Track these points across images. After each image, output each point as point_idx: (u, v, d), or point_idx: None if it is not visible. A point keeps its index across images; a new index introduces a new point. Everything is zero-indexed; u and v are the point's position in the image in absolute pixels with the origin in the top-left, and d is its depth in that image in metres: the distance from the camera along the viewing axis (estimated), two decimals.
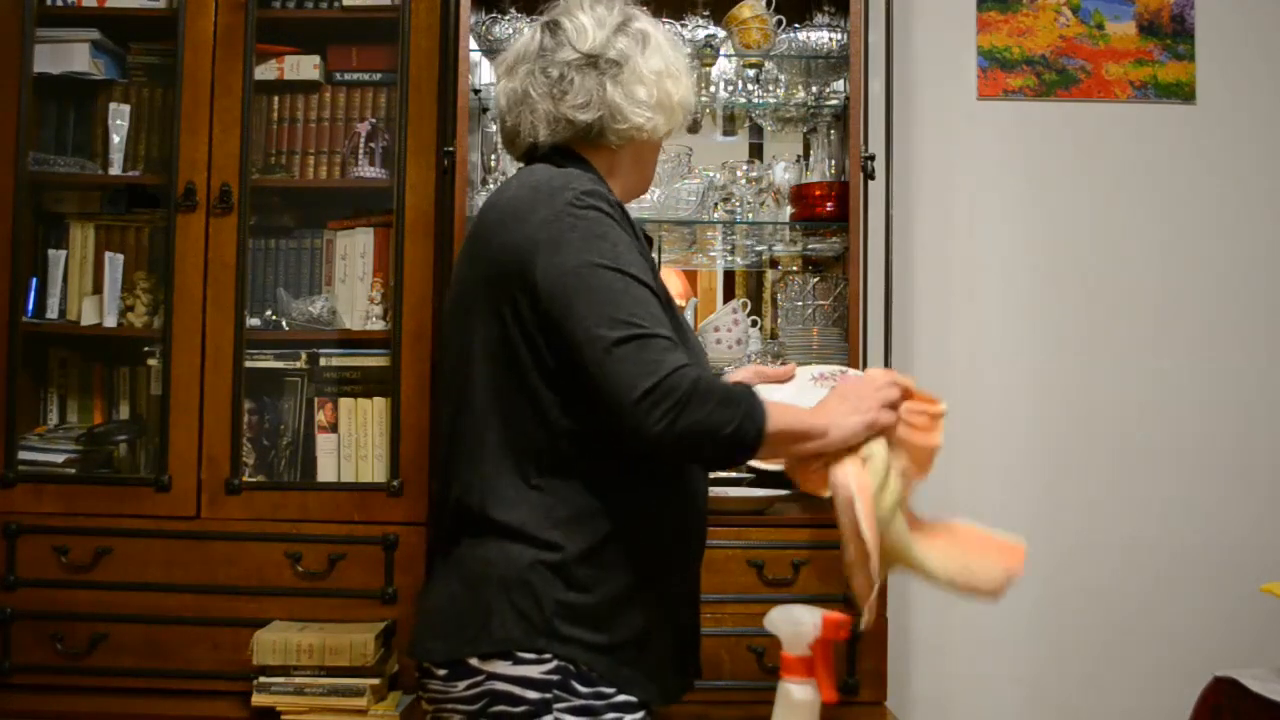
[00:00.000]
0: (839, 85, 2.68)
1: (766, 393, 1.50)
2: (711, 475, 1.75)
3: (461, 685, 1.48)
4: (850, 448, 1.52)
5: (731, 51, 2.65)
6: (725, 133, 2.82)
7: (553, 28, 1.65)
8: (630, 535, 1.53)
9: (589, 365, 1.42)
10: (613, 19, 1.65)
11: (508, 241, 1.51)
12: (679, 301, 2.74)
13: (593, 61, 1.61)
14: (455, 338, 1.59)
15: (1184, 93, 2.88)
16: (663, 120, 1.65)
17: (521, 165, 1.71)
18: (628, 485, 1.54)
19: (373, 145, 2.59)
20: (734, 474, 2.54)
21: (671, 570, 1.61)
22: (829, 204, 2.52)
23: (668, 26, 2.62)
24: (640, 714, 1.52)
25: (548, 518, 1.50)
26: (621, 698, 1.50)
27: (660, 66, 1.64)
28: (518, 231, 1.50)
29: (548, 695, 1.46)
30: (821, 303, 2.64)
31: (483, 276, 1.54)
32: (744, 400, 1.43)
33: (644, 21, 1.68)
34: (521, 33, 2.53)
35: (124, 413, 2.65)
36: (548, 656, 1.46)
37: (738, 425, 1.41)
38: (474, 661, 1.47)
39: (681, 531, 1.62)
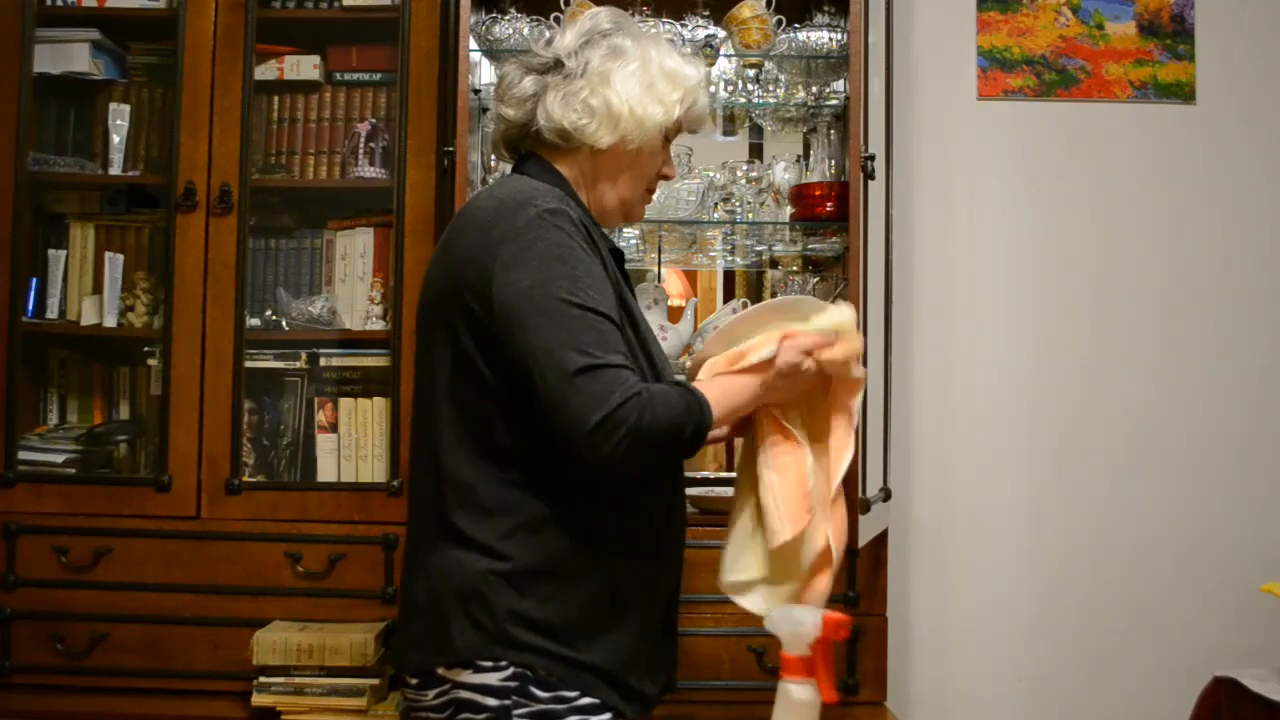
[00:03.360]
0: (839, 85, 2.68)
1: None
2: (711, 476, 1.76)
3: (431, 694, 1.53)
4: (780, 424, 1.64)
5: (731, 51, 2.65)
6: (725, 133, 2.82)
7: (547, 43, 1.70)
8: (582, 544, 1.54)
9: (539, 390, 1.45)
10: (597, 32, 1.66)
11: (467, 252, 1.53)
12: (679, 302, 2.74)
13: (559, 68, 1.64)
14: (421, 343, 1.63)
15: (1184, 93, 2.88)
16: (606, 131, 1.63)
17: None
18: (577, 498, 1.55)
19: (373, 145, 2.59)
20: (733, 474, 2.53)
21: (634, 575, 1.60)
22: (829, 204, 2.52)
23: (667, 27, 2.62)
24: (606, 715, 1.53)
25: (499, 528, 1.52)
26: (585, 700, 1.52)
27: (624, 81, 1.63)
28: (477, 243, 1.52)
29: (506, 701, 1.49)
30: None
31: (444, 283, 1.57)
32: (691, 408, 1.48)
33: (632, 40, 1.66)
34: (521, 32, 2.57)
35: (124, 413, 2.65)
36: (504, 664, 1.49)
37: (689, 435, 1.48)
38: (441, 671, 1.51)
39: (646, 538, 1.62)
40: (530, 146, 1.69)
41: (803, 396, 1.68)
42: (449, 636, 1.50)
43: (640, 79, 1.63)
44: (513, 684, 1.49)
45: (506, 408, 1.52)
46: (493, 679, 1.49)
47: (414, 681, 1.55)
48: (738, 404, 1.59)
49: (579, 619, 1.53)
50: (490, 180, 2.67)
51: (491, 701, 1.49)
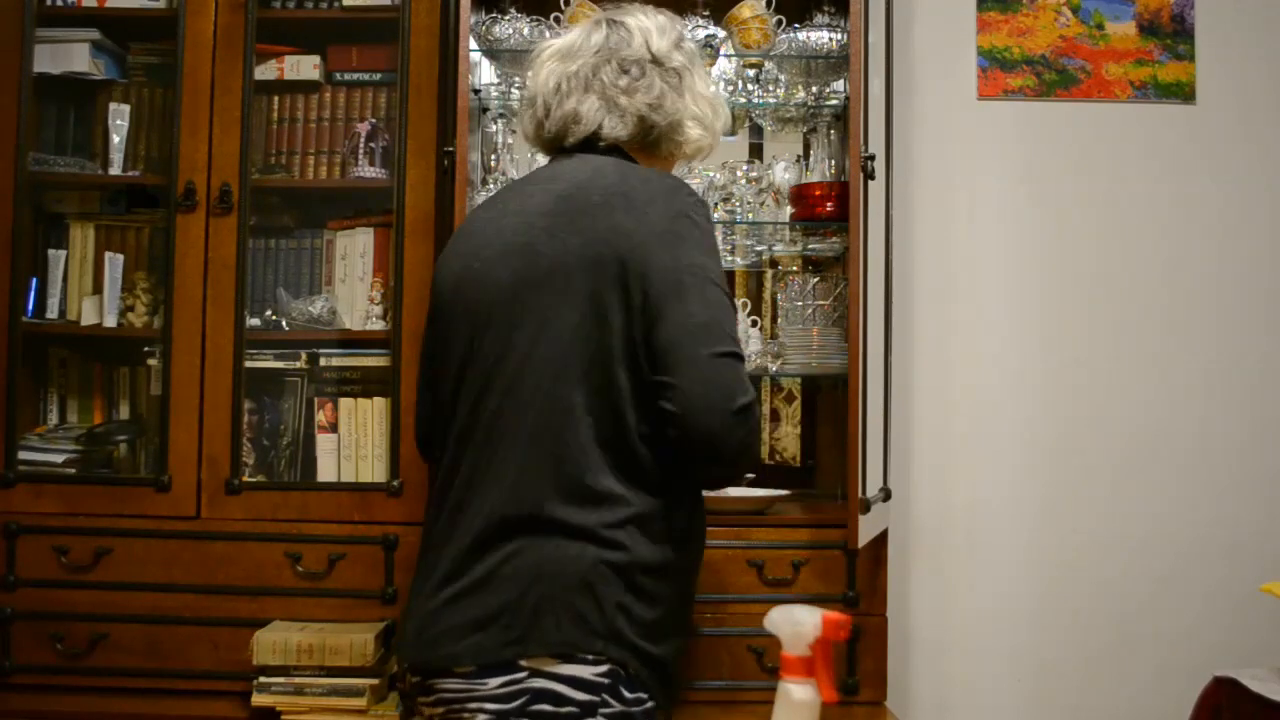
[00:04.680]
0: (839, 85, 2.68)
1: None
2: None
3: (494, 683, 1.44)
4: None
5: (731, 51, 2.65)
6: (725, 133, 2.81)
7: (614, 24, 1.66)
8: (683, 545, 1.55)
9: (688, 362, 1.42)
10: (672, 32, 1.67)
11: (621, 226, 1.48)
12: None
13: (658, 64, 1.64)
14: (512, 316, 1.51)
15: (1184, 93, 2.88)
16: (707, 140, 1.69)
17: (551, 156, 1.70)
18: (685, 494, 1.56)
19: (373, 145, 2.59)
20: None
21: (696, 577, 1.64)
22: (829, 204, 2.52)
23: None
24: None
25: (610, 517, 1.47)
26: (650, 704, 1.50)
27: (708, 90, 1.69)
28: (632, 218, 1.48)
29: (595, 698, 1.44)
30: (821, 303, 2.64)
31: (580, 257, 1.48)
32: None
33: (691, 44, 1.71)
34: (522, 32, 2.57)
35: (124, 413, 2.65)
36: (603, 659, 1.44)
37: (755, 455, 1.53)
38: (523, 660, 1.44)
39: (702, 541, 1.65)
40: (588, 145, 1.64)
41: None
42: (540, 626, 1.43)
43: (714, 91, 1.71)
44: (605, 680, 1.44)
45: (634, 395, 1.47)
46: (586, 672, 1.44)
47: (467, 670, 1.45)
48: None
49: (670, 620, 1.52)
50: (490, 180, 2.67)
51: (580, 695, 1.43)
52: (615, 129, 1.62)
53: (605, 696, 1.44)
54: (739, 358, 1.46)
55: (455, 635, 1.47)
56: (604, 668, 1.44)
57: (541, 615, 1.43)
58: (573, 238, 1.49)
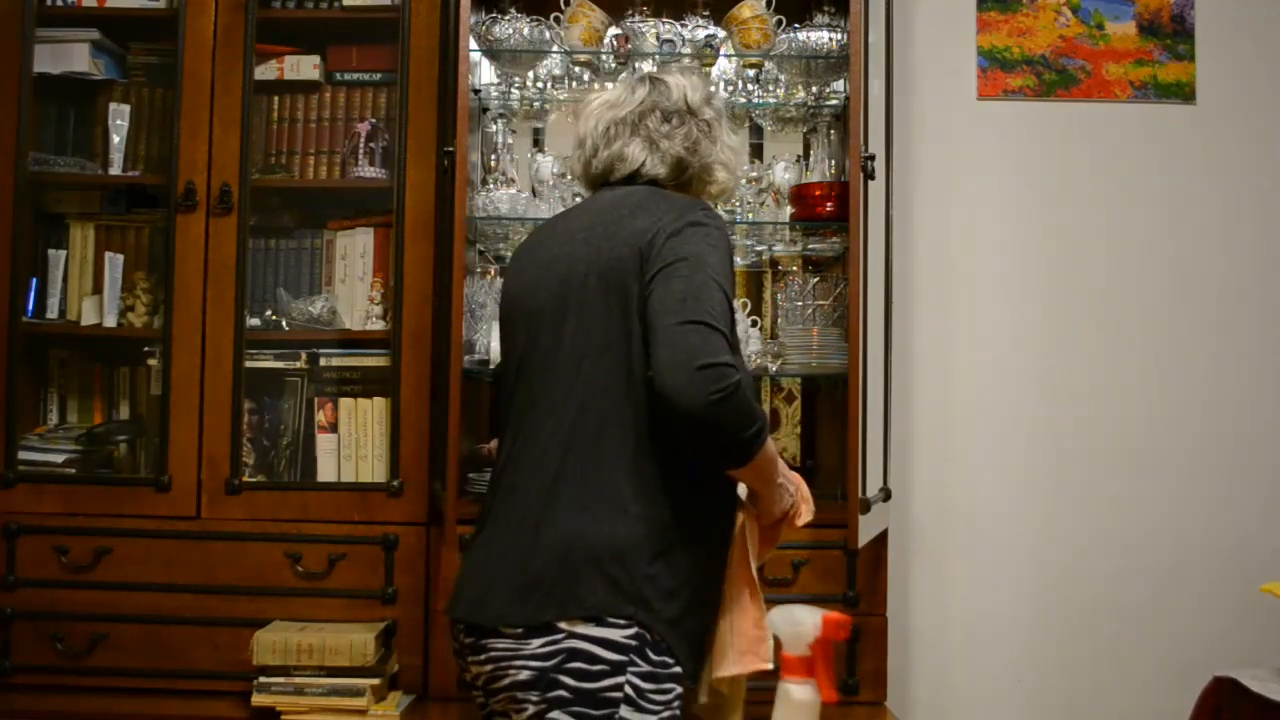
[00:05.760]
0: (839, 85, 2.68)
1: None
2: None
3: (536, 643, 1.59)
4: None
5: (731, 51, 2.65)
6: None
7: (656, 81, 1.87)
8: (710, 518, 1.69)
9: (660, 329, 1.56)
10: (705, 88, 1.89)
11: (639, 227, 1.67)
12: None
13: (693, 114, 1.85)
14: (557, 314, 1.70)
15: (1184, 93, 2.88)
16: (730, 183, 1.90)
17: (594, 191, 1.89)
18: (707, 473, 1.67)
19: (373, 145, 2.59)
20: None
21: (719, 555, 1.73)
22: (829, 204, 2.52)
23: (667, 27, 2.62)
24: (682, 688, 1.64)
25: (645, 492, 1.62)
26: (676, 669, 1.62)
27: (733, 141, 1.89)
28: (647, 219, 1.67)
29: (624, 658, 1.58)
30: (821, 303, 2.64)
31: (609, 257, 1.67)
32: (762, 421, 1.59)
33: (720, 102, 1.92)
34: (522, 32, 2.57)
35: (124, 413, 2.65)
36: (631, 624, 1.58)
37: (756, 431, 1.57)
38: (561, 623, 1.58)
39: (729, 524, 1.75)
40: (629, 181, 1.83)
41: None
42: (575, 591, 1.58)
43: (735, 147, 1.90)
44: (633, 643, 1.58)
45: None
46: (616, 635, 1.58)
47: (517, 631, 1.60)
48: (773, 453, 1.69)
49: (692, 589, 1.64)
50: (490, 180, 2.67)
51: (611, 655, 1.57)
52: (655, 167, 1.82)
53: (633, 657, 1.58)
54: (713, 329, 1.54)
55: (505, 599, 1.62)
56: (632, 630, 1.58)
57: (579, 582, 1.59)
58: (604, 243, 1.69)
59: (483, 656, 1.65)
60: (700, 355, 1.52)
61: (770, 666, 1.71)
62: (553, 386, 1.69)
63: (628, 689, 1.58)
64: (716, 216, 1.72)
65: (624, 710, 1.57)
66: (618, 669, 1.57)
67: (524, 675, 1.59)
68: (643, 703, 1.58)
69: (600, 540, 1.60)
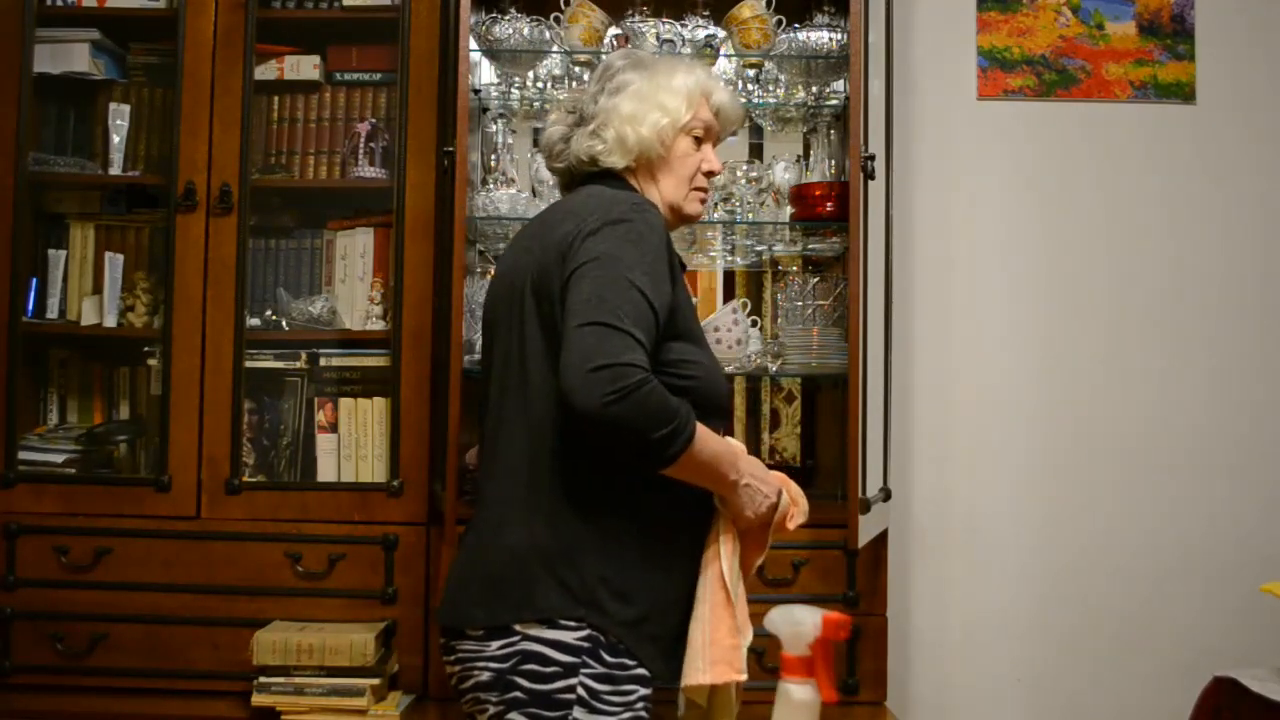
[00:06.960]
0: (839, 85, 2.68)
1: None
2: None
3: (495, 645, 1.63)
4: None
5: (731, 51, 2.65)
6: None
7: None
8: (662, 519, 1.69)
9: (565, 333, 1.57)
10: (607, 75, 1.87)
11: (564, 231, 1.68)
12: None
13: (579, 120, 1.87)
14: (505, 322, 1.75)
15: (1184, 93, 2.88)
16: (620, 153, 1.82)
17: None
18: (651, 477, 1.64)
19: (373, 145, 2.59)
20: None
21: (683, 557, 1.73)
22: (829, 204, 2.52)
23: (667, 27, 2.62)
24: (648, 690, 1.66)
25: (588, 498, 1.65)
26: (639, 670, 1.65)
27: (626, 102, 1.82)
28: (573, 222, 1.68)
29: (577, 660, 1.61)
30: (821, 303, 2.64)
31: (538, 264, 1.69)
32: (679, 420, 1.56)
33: (636, 70, 1.87)
34: (522, 32, 2.58)
35: (124, 413, 2.65)
36: (584, 625, 1.62)
37: (669, 432, 1.55)
38: (516, 625, 1.62)
39: (697, 526, 1.74)
40: (586, 179, 1.85)
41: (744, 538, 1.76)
42: (532, 595, 1.62)
43: (640, 97, 1.82)
44: (585, 644, 1.61)
45: None
46: (568, 637, 1.61)
47: (478, 633, 1.64)
48: (715, 452, 1.65)
49: (651, 591, 1.66)
50: (490, 180, 2.67)
51: (563, 657, 1.61)
52: (578, 164, 1.86)
53: (586, 659, 1.61)
54: (613, 329, 1.54)
55: (471, 601, 1.67)
56: (584, 632, 1.62)
57: (534, 584, 1.63)
58: (539, 251, 1.71)
59: (452, 657, 1.70)
60: (595, 357, 1.51)
61: (744, 678, 1.69)
62: (506, 394, 1.73)
63: (580, 690, 1.61)
64: (647, 212, 1.71)
65: (577, 712, 1.60)
66: (570, 670, 1.61)
67: (485, 676, 1.64)
68: (597, 704, 1.61)
69: (553, 544, 1.64)
